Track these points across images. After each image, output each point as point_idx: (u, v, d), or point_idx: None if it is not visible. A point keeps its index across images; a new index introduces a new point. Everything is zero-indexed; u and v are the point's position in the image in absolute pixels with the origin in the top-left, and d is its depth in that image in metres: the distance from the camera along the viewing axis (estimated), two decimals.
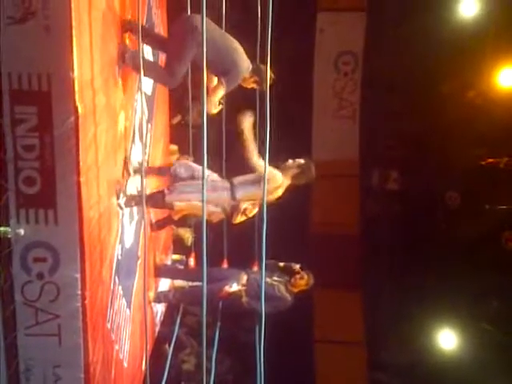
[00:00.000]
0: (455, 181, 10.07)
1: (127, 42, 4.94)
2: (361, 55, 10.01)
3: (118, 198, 5.01)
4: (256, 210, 6.31)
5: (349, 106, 10.28)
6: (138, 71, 4.83)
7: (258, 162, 4.95)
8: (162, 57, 5.72)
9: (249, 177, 5.21)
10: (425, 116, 9.76)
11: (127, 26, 4.89)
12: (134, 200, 5.20)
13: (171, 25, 5.23)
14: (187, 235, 8.08)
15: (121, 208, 5.11)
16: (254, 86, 5.27)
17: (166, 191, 5.30)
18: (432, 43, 9.31)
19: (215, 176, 5.66)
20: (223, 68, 4.93)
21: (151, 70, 4.95)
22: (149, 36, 5.22)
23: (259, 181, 5.00)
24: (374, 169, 10.48)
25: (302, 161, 5.36)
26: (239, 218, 6.34)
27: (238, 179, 5.31)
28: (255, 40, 6.14)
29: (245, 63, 5.05)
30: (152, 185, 6.29)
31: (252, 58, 5.26)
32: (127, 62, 4.81)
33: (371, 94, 10.08)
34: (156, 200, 5.34)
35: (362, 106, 10.18)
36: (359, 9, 9.84)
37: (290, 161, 5.37)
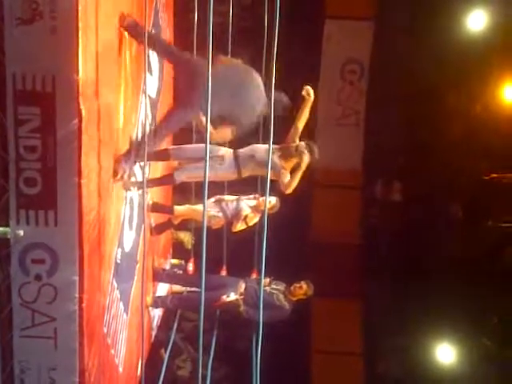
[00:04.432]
0: (458, 194, 10.04)
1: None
2: (367, 64, 9.99)
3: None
4: (257, 219, 6.30)
5: (353, 115, 10.26)
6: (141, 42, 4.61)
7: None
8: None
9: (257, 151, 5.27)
10: (429, 128, 9.73)
11: (133, 32, 4.79)
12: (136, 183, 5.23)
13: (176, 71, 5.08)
14: (187, 238, 8.07)
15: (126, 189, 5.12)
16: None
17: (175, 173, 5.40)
18: (438, 55, 9.30)
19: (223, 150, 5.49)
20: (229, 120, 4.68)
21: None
22: (155, 44, 5.02)
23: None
24: (377, 179, 10.44)
25: (303, 143, 5.29)
26: (239, 226, 6.33)
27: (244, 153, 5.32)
28: (262, 46, 6.15)
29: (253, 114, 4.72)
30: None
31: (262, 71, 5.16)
32: (132, 32, 4.70)
33: (376, 103, 10.06)
34: (167, 179, 5.48)
35: (367, 115, 10.16)
36: (367, 18, 9.83)
37: (293, 144, 5.32)
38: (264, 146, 5.39)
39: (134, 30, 4.75)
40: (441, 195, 10.03)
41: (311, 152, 5.26)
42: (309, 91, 5.10)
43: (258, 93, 4.68)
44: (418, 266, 9.39)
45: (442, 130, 9.69)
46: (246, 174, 5.36)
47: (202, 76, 3.60)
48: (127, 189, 5.18)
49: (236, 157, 5.32)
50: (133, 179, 5.25)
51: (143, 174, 5.19)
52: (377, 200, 10.37)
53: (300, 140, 5.32)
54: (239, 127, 4.72)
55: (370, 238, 9.95)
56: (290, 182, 5.15)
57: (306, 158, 5.16)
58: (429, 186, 9.86)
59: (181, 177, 5.45)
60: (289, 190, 5.18)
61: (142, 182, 4.93)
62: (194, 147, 5.65)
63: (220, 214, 6.37)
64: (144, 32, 4.41)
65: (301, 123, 5.23)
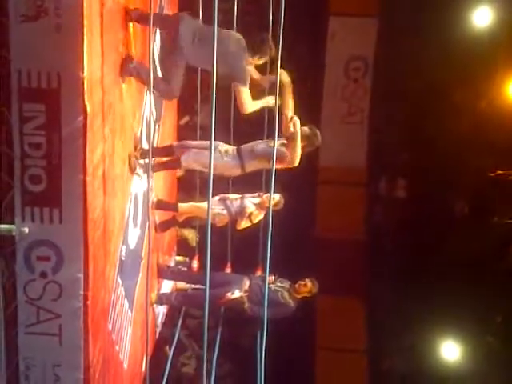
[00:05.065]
0: (463, 191, 10.01)
1: (133, 50, 4.88)
2: (371, 61, 9.97)
3: (133, 170, 5.14)
4: (261, 216, 6.30)
5: (358, 112, 10.24)
6: (143, 83, 4.84)
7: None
8: None
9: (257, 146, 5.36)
10: (434, 124, 9.69)
11: (134, 16, 4.77)
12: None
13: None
14: (191, 236, 8.07)
15: (133, 169, 5.18)
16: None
17: (182, 159, 5.38)
18: (444, 51, 9.26)
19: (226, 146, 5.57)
20: (228, 75, 4.71)
21: (154, 79, 4.80)
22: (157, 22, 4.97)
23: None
24: (381, 176, 10.42)
25: (306, 128, 5.32)
26: (244, 224, 6.33)
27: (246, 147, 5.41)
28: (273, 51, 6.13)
29: (242, 64, 4.79)
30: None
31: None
32: (131, 72, 4.76)
33: (381, 100, 10.03)
34: (173, 163, 5.47)
35: (371, 112, 10.14)
36: (371, 14, 9.80)
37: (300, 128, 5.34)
38: (263, 141, 5.58)
39: (142, 19, 4.78)
40: (446, 192, 10.00)
41: (315, 137, 5.37)
42: (283, 75, 4.99)
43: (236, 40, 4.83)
44: (423, 263, 9.36)
45: (447, 127, 9.64)
46: (249, 168, 5.46)
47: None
48: (134, 171, 5.26)
49: (239, 151, 5.43)
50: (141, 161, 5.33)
51: (148, 169, 5.20)
52: (381, 197, 10.35)
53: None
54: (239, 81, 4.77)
55: (374, 235, 9.94)
56: (293, 155, 5.21)
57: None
58: (434, 183, 9.83)
59: (188, 161, 5.45)
60: (295, 163, 5.26)
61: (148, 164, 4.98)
62: (198, 142, 5.71)
63: (224, 212, 6.37)
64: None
65: (288, 110, 5.19)
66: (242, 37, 4.93)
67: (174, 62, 4.73)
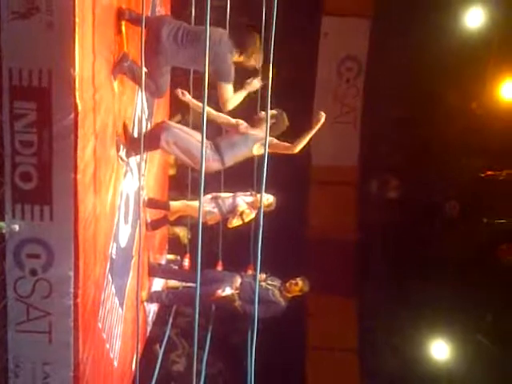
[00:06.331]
0: (454, 191, 10.06)
1: (125, 49, 4.89)
2: (364, 61, 9.99)
3: (118, 150, 4.97)
4: (253, 215, 6.31)
5: (350, 112, 10.26)
6: (135, 81, 4.84)
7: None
8: None
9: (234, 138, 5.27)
10: (426, 125, 9.73)
11: (126, 16, 4.77)
12: (134, 147, 5.09)
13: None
14: (183, 233, 8.07)
15: (122, 160, 5.10)
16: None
17: (161, 136, 5.09)
18: (435, 52, 9.30)
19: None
20: (213, 73, 4.60)
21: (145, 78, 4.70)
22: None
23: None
24: (373, 176, 10.45)
25: (274, 111, 5.25)
26: (235, 222, 6.33)
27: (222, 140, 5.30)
28: (259, 42, 6.13)
29: (228, 62, 4.76)
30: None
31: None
32: (124, 70, 4.76)
33: (373, 100, 10.06)
34: (152, 140, 5.13)
35: (364, 112, 10.16)
36: (364, 15, 9.82)
37: (262, 112, 5.34)
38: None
39: (134, 19, 4.80)
40: (437, 192, 10.05)
41: (281, 119, 5.34)
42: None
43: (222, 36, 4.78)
44: (414, 263, 9.40)
45: (439, 128, 9.69)
46: (229, 162, 5.29)
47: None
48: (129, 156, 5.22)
49: (216, 145, 5.24)
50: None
51: (139, 169, 5.21)
52: (373, 197, 10.38)
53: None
54: (221, 73, 4.75)
55: (365, 235, 9.97)
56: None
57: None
58: (425, 184, 9.88)
59: (168, 141, 5.09)
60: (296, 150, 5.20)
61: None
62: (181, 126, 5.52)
63: (215, 210, 6.37)
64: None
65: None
66: (226, 32, 4.94)
67: (158, 62, 4.73)
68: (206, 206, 6.22)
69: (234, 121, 5.35)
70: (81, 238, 4.00)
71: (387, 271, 9.60)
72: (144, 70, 4.56)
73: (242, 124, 5.34)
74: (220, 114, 5.31)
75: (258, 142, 5.20)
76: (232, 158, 5.27)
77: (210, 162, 5.10)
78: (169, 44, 4.65)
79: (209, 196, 6.35)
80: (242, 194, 6.48)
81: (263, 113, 5.31)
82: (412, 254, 9.41)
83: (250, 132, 5.27)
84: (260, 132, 5.21)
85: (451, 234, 9.71)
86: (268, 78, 3.96)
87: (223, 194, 6.49)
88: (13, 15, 3.67)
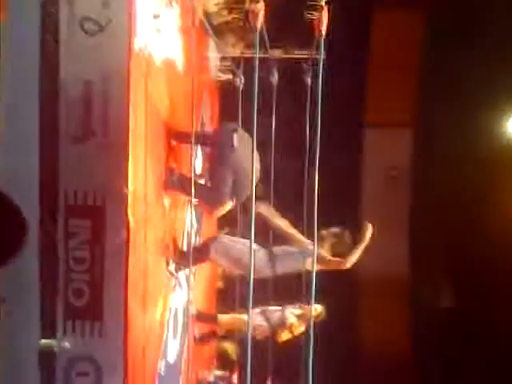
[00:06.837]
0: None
1: (173, 164, 5.09)
2: (408, 170, 10.05)
3: (167, 264, 5.01)
4: (302, 328, 6.15)
5: (396, 220, 10.19)
6: (184, 193, 4.98)
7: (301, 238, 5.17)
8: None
9: (290, 249, 5.22)
10: (477, 231, 9.51)
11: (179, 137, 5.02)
12: (184, 261, 5.11)
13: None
14: (231, 348, 7.89)
15: (171, 274, 5.09)
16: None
17: (211, 247, 5.16)
18: (480, 160, 9.28)
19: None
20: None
21: (198, 189, 4.86)
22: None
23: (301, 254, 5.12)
24: (425, 283, 10.13)
25: (336, 229, 5.24)
26: (284, 336, 6.18)
27: (278, 250, 5.26)
28: (304, 157, 6.31)
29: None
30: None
31: None
32: (173, 185, 4.92)
33: (420, 207, 9.98)
34: (202, 252, 5.22)
35: (411, 220, 10.08)
36: (406, 124, 10.01)
37: (324, 231, 5.27)
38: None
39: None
40: (498, 304, 9.52)
41: (343, 237, 5.28)
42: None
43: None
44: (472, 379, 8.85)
45: (490, 233, 9.46)
46: (280, 270, 5.26)
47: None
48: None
49: (271, 252, 5.24)
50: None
51: (188, 282, 5.21)
52: (426, 307, 9.99)
53: None
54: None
55: (420, 351, 9.48)
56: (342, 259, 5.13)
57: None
58: (484, 295, 9.42)
59: (217, 252, 5.15)
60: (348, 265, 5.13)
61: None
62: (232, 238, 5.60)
63: (264, 323, 6.24)
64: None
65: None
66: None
67: (223, 172, 4.85)
68: (254, 319, 6.11)
69: (306, 241, 5.23)
70: (130, 355, 3.96)
71: None
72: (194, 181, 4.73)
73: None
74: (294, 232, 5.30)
75: (312, 256, 5.11)
76: (284, 268, 5.25)
77: (261, 269, 5.10)
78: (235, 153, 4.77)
79: (257, 310, 6.25)
80: (291, 306, 6.37)
81: (325, 232, 5.31)
82: (474, 373, 8.83)
83: (310, 247, 5.19)
84: (320, 248, 5.17)
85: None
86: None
87: (272, 308, 6.39)
88: (70, 139, 3.86)
